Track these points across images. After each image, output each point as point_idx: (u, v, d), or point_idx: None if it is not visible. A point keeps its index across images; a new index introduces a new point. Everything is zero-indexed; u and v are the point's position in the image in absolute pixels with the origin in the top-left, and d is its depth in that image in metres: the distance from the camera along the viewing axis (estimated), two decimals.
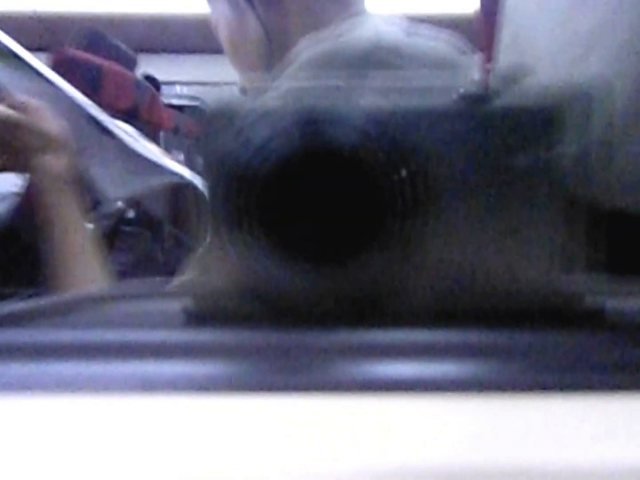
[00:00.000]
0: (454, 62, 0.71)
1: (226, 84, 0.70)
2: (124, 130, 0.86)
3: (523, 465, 0.23)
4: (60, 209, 0.74)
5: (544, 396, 0.27)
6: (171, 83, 1.41)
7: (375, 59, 0.64)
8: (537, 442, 0.24)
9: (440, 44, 0.74)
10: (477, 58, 0.72)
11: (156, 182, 0.84)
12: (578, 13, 0.50)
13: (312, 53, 0.67)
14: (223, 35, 0.88)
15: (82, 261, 0.73)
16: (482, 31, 0.74)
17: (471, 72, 0.69)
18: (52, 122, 0.76)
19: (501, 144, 0.34)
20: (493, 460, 0.23)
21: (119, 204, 0.92)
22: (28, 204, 0.83)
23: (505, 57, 0.61)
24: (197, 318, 0.34)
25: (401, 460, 0.23)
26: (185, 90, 1.44)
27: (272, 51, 0.82)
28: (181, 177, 0.85)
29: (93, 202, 0.77)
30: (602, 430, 0.25)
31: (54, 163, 0.75)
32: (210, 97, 0.36)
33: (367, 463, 0.23)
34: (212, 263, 0.35)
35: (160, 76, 1.24)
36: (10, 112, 0.73)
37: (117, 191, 0.78)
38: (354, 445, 0.24)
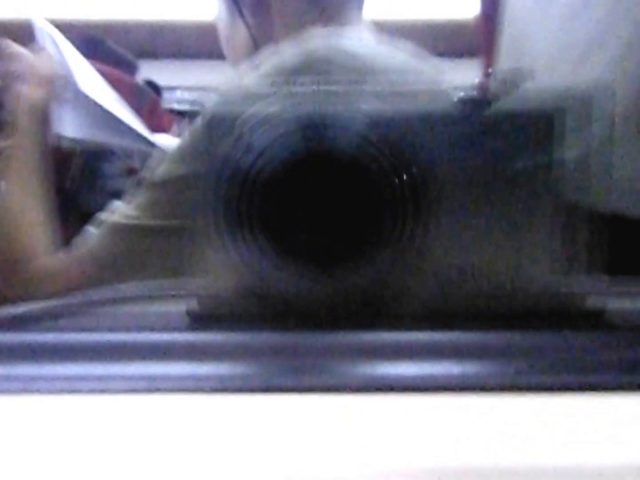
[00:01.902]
0: (415, 72, 0.74)
1: (227, 89, 0.72)
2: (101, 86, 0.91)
3: (523, 465, 0.23)
4: (25, 136, 0.79)
5: (545, 396, 0.27)
6: (172, 88, 1.41)
7: (312, 69, 0.67)
8: (537, 441, 0.24)
9: (401, 53, 0.77)
10: (442, 66, 0.76)
11: (116, 139, 0.88)
12: (578, 17, 0.50)
13: (265, 65, 0.71)
14: (220, 34, 0.93)
15: (28, 195, 0.77)
16: (482, 35, 0.75)
17: (434, 80, 0.73)
18: (42, 57, 0.82)
19: (501, 147, 0.34)
20: (493, 460, 0.23)
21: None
22: None
23: (506, 61, 0.62)
24: (201, 320, 0.34)
25: (403, 458, 0.23)
26: (186, 95, 1.44)
27: (258, 54, 0.85)
28: (148, 143, 0.88)
29: (98, 206, 0.79)
30: (603, 430, 0.25)
31: (32, 93, 0.80)
32: (211, 102, 0.36)
33: (370, 462, 0.23)
34: (215, 266, 0.35)
35: (161, 81, 1.24)
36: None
37: (70, 130, 0.82)
38: (357, 444, 0.24)
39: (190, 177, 0.65)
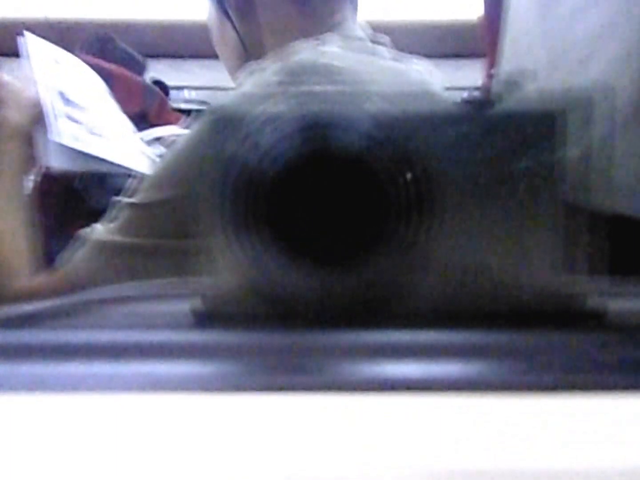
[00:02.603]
0: (399, 79, 0.75)
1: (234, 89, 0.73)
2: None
3: (524, 465, 0.23)
4: (7, 160, 0.80)
5: (546, 396, 0.27)
6: (180, 88, 1.42)
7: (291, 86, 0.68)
8: (539, 441, 0.24)
9: (385, 61, 0.77)
10: (430, 67, 0.77)
11: (101, 167, 0.89)
12: (579, 19, 0.50)
13: (246, 83, 0.72)
14: (213, 38, 0.94)
15: (8, 211, 0.79)
16: (485, 37, 0.75)
17: (420, 84, 0.74)
18: (25, 84, 0.85)
19: (503, 148, 0.34)
20: (495, 460, 0.23)
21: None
22: (37, 200, 0.86)
23: (508, 62, 0.62)
24: (205, 319, 0.34)
25: (404, 458, 0.23)
26: (193, 94, 1.45)
27: (247, 59, 0.86)
28: (129, 170, 0.89)
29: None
30: (604, 430, 0.25)
31: (14, 119, 0.81)
32: (218, 101, 0.36)
33: (370, 462, 0.23)
34: (220, 265, 0.35)
35: (169, 81, 1.25)
36: None
37: (56, 160, 0.84)
38: (358, 443, 0.24)
39: (166, 201, 0.70)
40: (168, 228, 0.69)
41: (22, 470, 0.23)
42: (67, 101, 0.88)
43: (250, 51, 0.88)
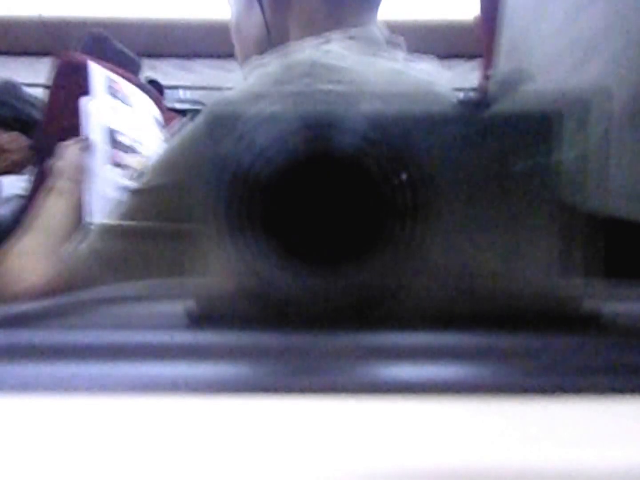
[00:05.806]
0: (402, 81, 0.76)
1: (229, 88, 0.73)
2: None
3: (521, 467, 0.23)
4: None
5: (543, 398, 0.27)
6: (174, 87, 1.42)
7: (292, 83, 0.69)
8: (537, 442, 0.24)
9: (391, 62, 0.78)
10: (437, 68, 0.78)
11: None
12: (577, 20, 0.50)
13: (250, 77, 0.72)
14: (232, 21, 0.92)
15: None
16: (482, 37, 0.75)
17: (424, 86, 0.75)
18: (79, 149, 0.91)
19: (499, 149, 0.34)
20: (492, 462, 0.23)
21: None
22: (32, 206, 0.87)
23: (505, 62, 0.62)
24: (200, 320, 0.34)
25: (404, 460, 0.23)
26: (188, 94, 1.45)
27: (270, 49, 0.85)
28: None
29: None
30: (600, 432, 0.25)
31: (68, 185, 0.90)
32: (213, 101, 0.36)
33: (371, 463, 0.23)
34: (215, 266, 0.35)
35: (163, 80, 1.25)
36: None
37: (97, 216, 0.86)
38: (358, 445, 0.24)
39: (168, 186, 0.71)
40: (171, 212, 0.70)
41: (22, 470, 0.23)
42: (113, 143, 0.90)
43: (273, 38, 0.87)
